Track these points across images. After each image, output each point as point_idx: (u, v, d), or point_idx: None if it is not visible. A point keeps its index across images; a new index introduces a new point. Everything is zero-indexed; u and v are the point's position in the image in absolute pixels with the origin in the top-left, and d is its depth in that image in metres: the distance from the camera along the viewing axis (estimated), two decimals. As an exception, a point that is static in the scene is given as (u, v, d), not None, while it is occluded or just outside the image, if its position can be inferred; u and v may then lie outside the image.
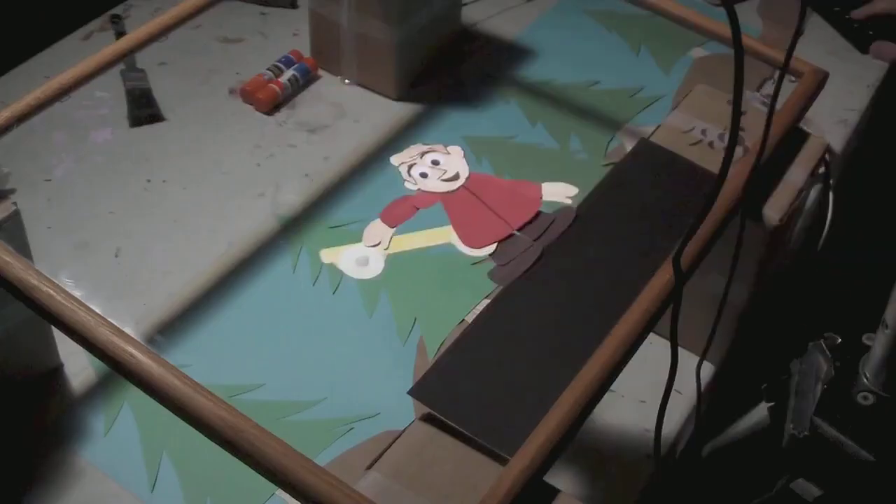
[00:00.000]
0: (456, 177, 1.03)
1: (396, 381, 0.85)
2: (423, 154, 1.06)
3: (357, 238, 0.97)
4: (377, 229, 0.98)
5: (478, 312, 0.79)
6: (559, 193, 1.02)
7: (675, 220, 0.75)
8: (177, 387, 0.55)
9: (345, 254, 0.95)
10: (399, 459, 0.61)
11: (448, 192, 1.02)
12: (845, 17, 1.26)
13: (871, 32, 1.24)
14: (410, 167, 1.04)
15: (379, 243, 0.96)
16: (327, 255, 0.95)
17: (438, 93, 1.16)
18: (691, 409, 0.85)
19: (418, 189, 1.02)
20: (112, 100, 1.12)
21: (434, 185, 1.02)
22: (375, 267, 0.94)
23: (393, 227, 0.98)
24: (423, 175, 1.03)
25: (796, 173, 0.82)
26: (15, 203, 0.74)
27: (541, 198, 1.01)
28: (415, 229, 0.98)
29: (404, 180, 1.03)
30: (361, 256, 0.95)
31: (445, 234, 0.98)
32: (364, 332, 0.89)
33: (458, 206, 1.01)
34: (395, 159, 1.06)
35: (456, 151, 1.06)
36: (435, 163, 1.04)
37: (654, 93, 1.17)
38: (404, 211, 1.00)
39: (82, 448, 0.79)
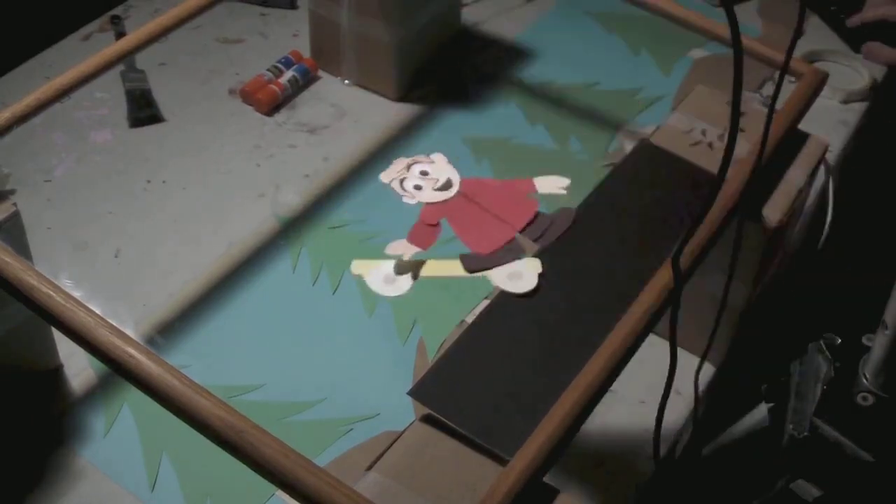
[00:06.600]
0: (448, 184, 1.02)
1: (396, 382, 0.85)
2: (409, 166, 1.04)
3: (380, 254, 0.96)
4: (403, 247, 0.96)
5: (478, 312, 0.79)
6: (552, 185, 1.02)
7: (675, 220, 0.75)
8: (176, 387, 0.55)
9: (373, 270, 0.94)
10: (399, 460, 0.61)
11: (447, 202, 1.00)
12: (841, 17, 1.27)
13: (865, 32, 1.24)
14: (402, 181, 1.02)
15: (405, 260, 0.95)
16: (357, 267, 0.94)
17: (438, 93, 1.16)
18: (691, 410, 0.85)
19: (418, 202, 1.00)
20: (112, 100, 1.12)
21: (430, 195, 1.01)
22: (403, 285, 0.93)
23: (423, 249, 0.96)
24: (418, 188, 1.01)
25: (796, 173, 0.82)
26: (15, 203, 0.74)
27: (535, 191, 1.01)
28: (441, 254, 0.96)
29: (401, 195, 1.01)
30: (389, 274, 0.94)
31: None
32: (364, 332, 0.89)
33: (459, 215, 0.99)
34: (384, 176, 1.03)
35: (439, 158, 1.05)
36: (424, 173, 1.03)
37: (654, 94, 1.17)
38: (428, 232, 0.98)
39: (82, 448, 0.79)
